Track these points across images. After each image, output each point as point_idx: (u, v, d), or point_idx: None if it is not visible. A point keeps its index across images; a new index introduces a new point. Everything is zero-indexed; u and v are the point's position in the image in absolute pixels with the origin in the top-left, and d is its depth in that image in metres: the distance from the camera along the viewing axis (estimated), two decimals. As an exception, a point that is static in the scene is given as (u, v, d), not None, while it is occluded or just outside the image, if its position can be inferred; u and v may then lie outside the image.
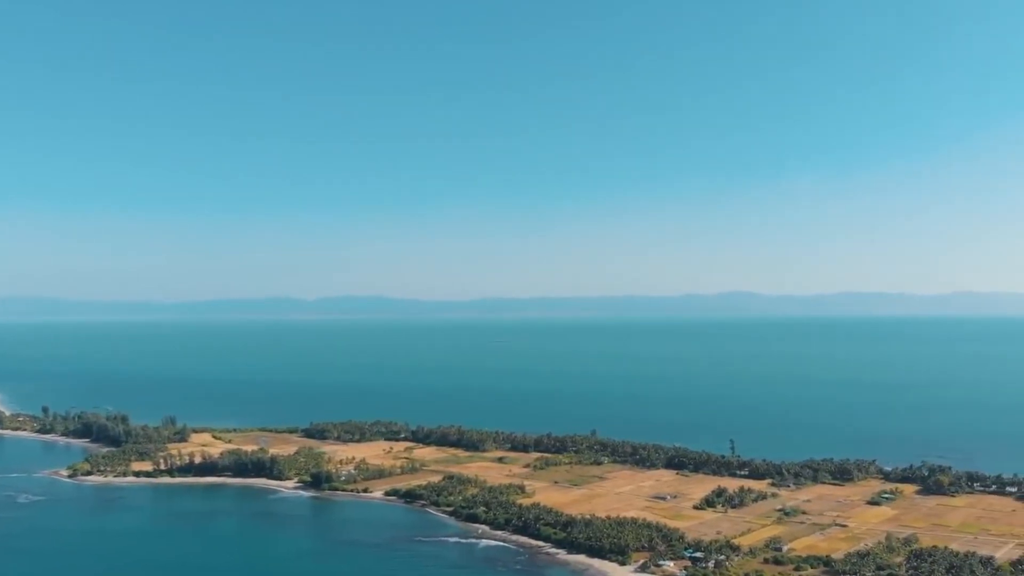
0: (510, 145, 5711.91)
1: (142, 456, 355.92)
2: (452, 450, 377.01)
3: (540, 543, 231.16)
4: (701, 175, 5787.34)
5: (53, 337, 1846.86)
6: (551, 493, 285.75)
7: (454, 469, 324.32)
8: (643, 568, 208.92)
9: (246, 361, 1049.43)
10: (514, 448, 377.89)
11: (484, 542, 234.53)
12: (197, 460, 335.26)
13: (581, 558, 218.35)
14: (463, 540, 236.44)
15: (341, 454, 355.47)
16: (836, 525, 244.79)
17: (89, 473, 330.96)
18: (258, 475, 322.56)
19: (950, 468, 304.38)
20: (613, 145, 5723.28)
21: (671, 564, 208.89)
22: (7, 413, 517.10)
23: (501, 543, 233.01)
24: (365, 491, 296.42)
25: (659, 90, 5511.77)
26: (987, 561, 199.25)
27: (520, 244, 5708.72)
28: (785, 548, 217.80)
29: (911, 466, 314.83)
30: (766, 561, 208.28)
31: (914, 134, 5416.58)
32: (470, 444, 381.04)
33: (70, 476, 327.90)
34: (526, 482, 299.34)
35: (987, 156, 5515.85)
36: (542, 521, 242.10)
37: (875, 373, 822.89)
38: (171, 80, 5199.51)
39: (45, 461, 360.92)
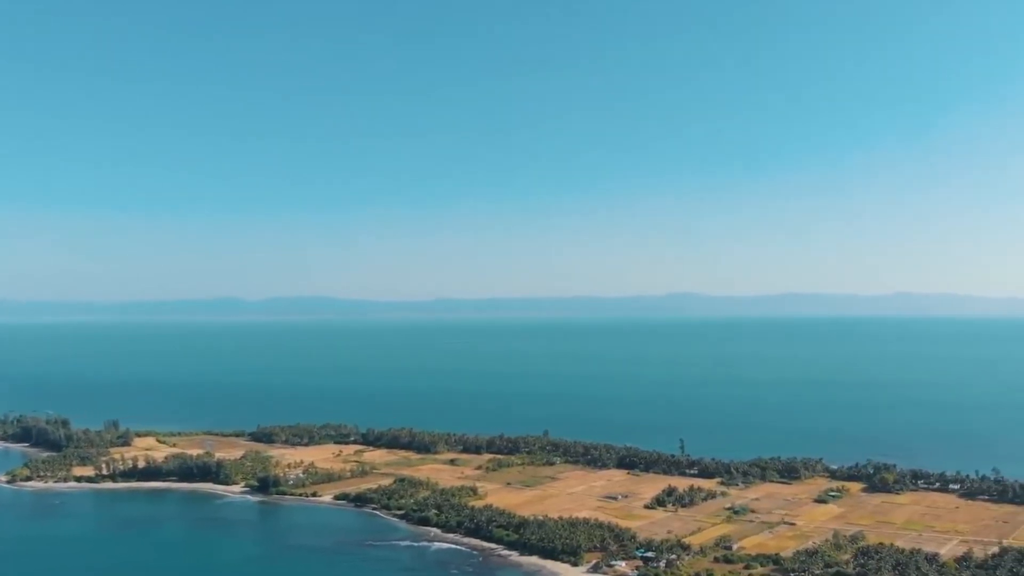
0: (458, 146, 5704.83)
1: (84, 461, 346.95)
2: (403, 453, 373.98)
3: (493, 545, 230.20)
4: (650, 177, 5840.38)
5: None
6: (504, 494, 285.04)
7: (405, 472, 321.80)
8: (595, 569, 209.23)
9: (190, 363, 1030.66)
10: (466, 450, 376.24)
11: (436, 545, 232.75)
12: (141, 465, 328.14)
13: (534, 559, 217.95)
14: (414, 544, 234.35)
15: (289, 458, 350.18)
16: (784, 523, 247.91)
17: (28, 479, 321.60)
18: (204, 480, 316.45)
19: (895, 466, 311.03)
20: (562, 147, 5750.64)
21: (623, 564, 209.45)
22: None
23: (453, 546, 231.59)
24: (314, 495, 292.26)
25: (602, 91, 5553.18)
26: (932, 558, 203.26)
27: (471, 245, 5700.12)
28: (735, 547, 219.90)
29: (857, 464, 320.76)
30: (716, 560, 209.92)
31: (853, 136, 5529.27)
32: (422, 446, 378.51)
33: (8, 482, 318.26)
34: (478, 484, 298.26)
35: (924, 159, 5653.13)
36: (495, 523, 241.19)
37: (818, 372, 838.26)
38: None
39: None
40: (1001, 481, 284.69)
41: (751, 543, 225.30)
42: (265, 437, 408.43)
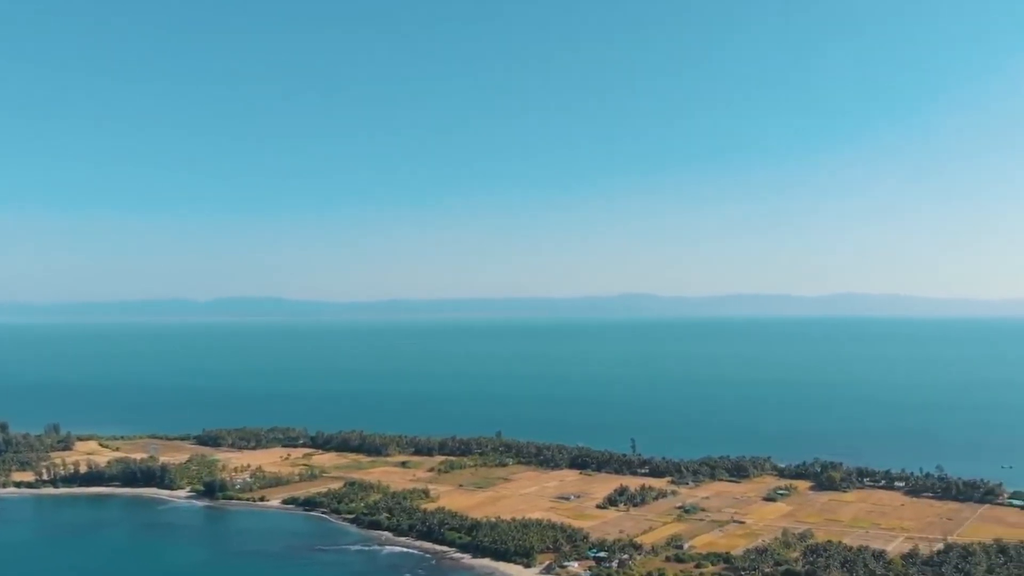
0: (409, 148, 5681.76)
1: (23, 466, 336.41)
2: (353, 455, 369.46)
3: (445, 548, 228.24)
4: (603, 177, 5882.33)
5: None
6: (456, 496, 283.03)
7: (355, 475, 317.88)
8: (548, 570, 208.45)
9: (135, 365, 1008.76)
10: (418, 452, 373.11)
11: (387, 549, 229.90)
12: (82, 469, 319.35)
13: (486, 561, 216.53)
14: (365, 548, 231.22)
15: (236, 461, 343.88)
16: (734, 522, 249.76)
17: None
18: (148, 484, 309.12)
19: (841, 464, 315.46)
20: (516, 148, 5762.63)
21: (576, 565, 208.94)
22: None
23: (405, 549, 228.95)
24: (262, 499, 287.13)
25: (560, 92, 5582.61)
26: (879, 555, 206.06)
27: (425, 246, 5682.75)
28: (686, 546, 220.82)
29: (804, 463, 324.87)
30: (668, 559, 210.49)
31: (801, 136, 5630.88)
32: (372, 449, 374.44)
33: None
34: (430, 486, 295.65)
35: (867, 163, 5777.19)
36: (447, 525, 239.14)
37: (765, 372, 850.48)
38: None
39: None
40: (945, 478, 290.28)
41: (702, 542, 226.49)
42: (211, 440, 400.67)
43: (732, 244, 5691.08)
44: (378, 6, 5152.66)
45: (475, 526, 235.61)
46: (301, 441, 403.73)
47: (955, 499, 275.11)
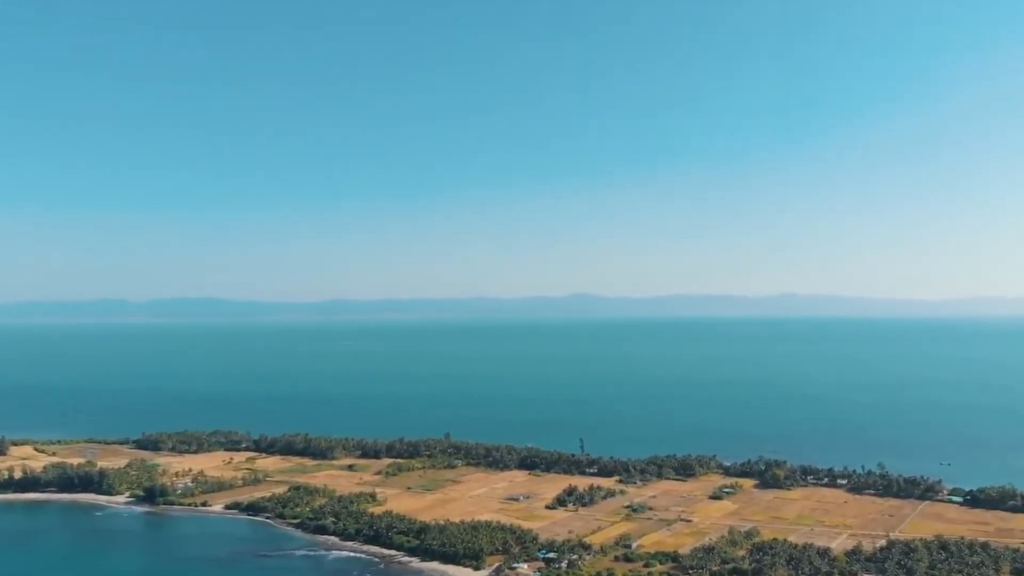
0: (349, 144, 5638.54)
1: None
2: (298, 459, 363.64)
3: (393, 552, 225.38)
4: (549, 176, 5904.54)
5: None
6: (404, 500, 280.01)
7: (300, 479, 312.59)
8: (497, 572, 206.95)
9: (70, 367, 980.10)
10: (365, 455, 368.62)
11: (333, 554, 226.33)
12: (17, 475, 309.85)
13: (435, 565, 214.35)
14: (311, 553, 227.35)
15: (177, 466, 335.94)
16: (681, 520, 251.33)
17: None
18: (85, 490, 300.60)
19: (785, 462, 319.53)
20: (459, 146, 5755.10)
21: (525, 566, 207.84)
22: None
23: (352, 554, 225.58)
24: (204, 505, 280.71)
25: (493, 92, 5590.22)
26: (824, 552, 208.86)
27: (367, 246, 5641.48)
28: (635, 545, 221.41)
29: (749, 461, 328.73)
30: (617, 559, 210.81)
31: (739, 140, 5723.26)
32: (317, 452, 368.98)
33: None
34: (378, 489, 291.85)
35: (810, 164, 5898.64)
36: (395, 529, 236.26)
37: (709, 371, 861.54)
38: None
39: None
40: (886, 475, 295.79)
41: (650, 541, 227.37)
42: (151, 444, 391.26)
43: (678, 245, 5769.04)
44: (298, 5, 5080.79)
45: (424, 529, 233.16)
46: (244, 445, 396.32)
47: (896, 496, 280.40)
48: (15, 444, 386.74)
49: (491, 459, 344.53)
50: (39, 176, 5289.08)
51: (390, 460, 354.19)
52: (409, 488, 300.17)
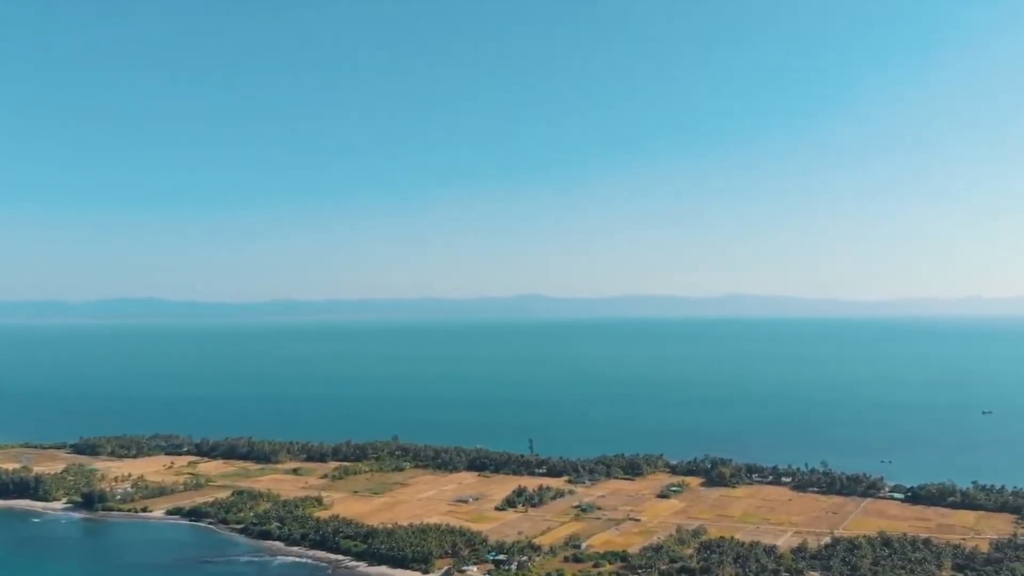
0: (296, 144, 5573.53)
1: None
2: (241, 463, 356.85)
3: (340, 557, 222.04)
4: (495, 177, 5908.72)
5: None
6: (351, 503, 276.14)
7: (244, 483, 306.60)
8: (446, 575, 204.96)
9: (5, 370, 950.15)
10: (310, 458, 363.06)
11: (279, 559, 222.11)
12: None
13: (383, 569, 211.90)
14: (255, 559, 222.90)
15: (116, 471, 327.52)
16: (630, 519, 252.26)
17: None
18: (20, 496, 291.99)
19: (731, 460, 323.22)
20: (406, 147, 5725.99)
21: (474, 569, 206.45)
22: None
23: (297, 559, 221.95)
24: (144, 510, 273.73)
25: (447, 92, 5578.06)
26: (770, 550, 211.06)
27: (312, 246, 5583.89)
28: (584, 545, 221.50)
29: (695, 459, 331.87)
30: (566, 559, 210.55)
31: (691, 139, 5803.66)
32: (261, 456, 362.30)
33: None
34: (324, 493, 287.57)
35: (755, 165, 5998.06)
36: (341, 533, 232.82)
37: (655, 371, 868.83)
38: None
39: None
40: (829, 473, 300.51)
41: (599, 540, 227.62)
42: (89, 449, 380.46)
43: (625, 246, 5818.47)
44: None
45: (371, 533, 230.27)
46: (185, 449, 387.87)
47: (839, 493, 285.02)
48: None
49: (440, 461, 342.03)
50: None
51: (336, 463, 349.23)
52: (356, 492, 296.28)
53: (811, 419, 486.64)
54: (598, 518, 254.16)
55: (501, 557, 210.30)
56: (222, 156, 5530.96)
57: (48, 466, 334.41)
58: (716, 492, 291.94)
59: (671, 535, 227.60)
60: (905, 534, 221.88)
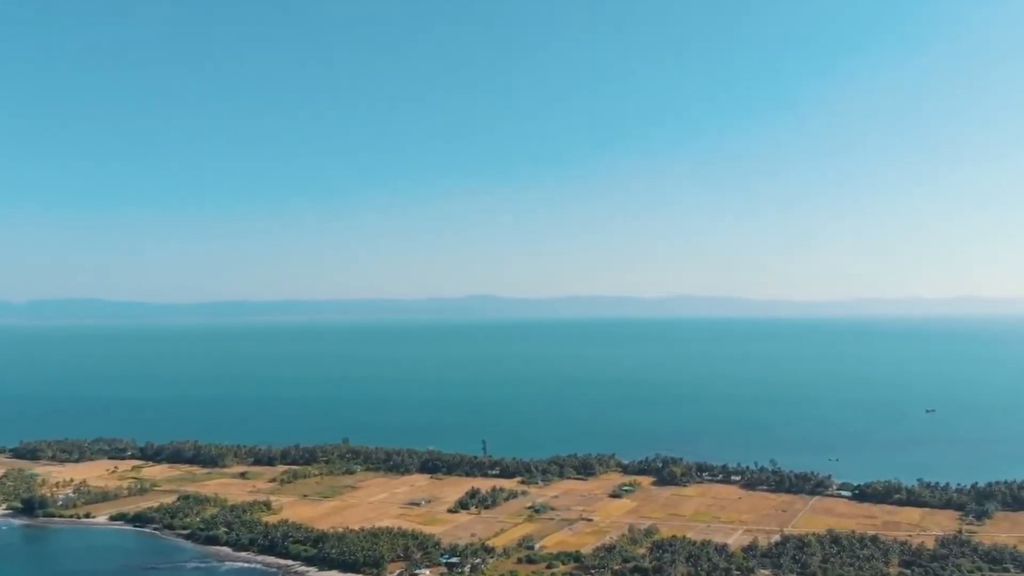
0: (242, 141, 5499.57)
1: None
2: (187, 467, 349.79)
3: (289, 562, 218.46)
4: (446, 176, 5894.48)
5: None
6: (300, 507, 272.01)
7: (190, 488, 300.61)
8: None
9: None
10: (258, 462, 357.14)
11: (227, 565, 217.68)
12: None
13: (334, 574, 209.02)
14: (202, 565, 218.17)
15: (57, 476, 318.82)
16: (583, 519, 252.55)
17: None
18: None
19: (682, 459, 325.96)
20: (358, 146, 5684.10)
21: (427, 572, 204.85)
22: None
23: (246, 565, 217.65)
24: (87, 516, 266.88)
25: (397, 87, 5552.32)
26: (722, 549, 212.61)
27: (260, 245, 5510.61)
28: (537, 546, 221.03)
29: (647, 459, 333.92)
30: (520, 561, 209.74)
31: (646, 139, 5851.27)
32: (208, 460, 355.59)
33: None
34: (272, 497, 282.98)
35: (703, 165, 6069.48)
36: (291, 538, 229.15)
37: (607, 371, 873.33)
38: None
39: None
40: (778, 471, 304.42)
41: (552, 541, 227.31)
42: (29, 453, 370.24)
43: (576, 246, 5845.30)
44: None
45: (321, 537, 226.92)
46: (129, 453, 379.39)
47: (788, 491, 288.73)
48: None
49: (391, 463, 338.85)
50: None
51: (285, 467, 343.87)
52: (306, 495, 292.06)
53: (759, 418, 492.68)
54: (551, 519, 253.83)
55: (454, 560, 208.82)
56: (169, 154, 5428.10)
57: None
58: (667, 491, 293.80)
59: (624, 535, 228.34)
60: (853, 532, 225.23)
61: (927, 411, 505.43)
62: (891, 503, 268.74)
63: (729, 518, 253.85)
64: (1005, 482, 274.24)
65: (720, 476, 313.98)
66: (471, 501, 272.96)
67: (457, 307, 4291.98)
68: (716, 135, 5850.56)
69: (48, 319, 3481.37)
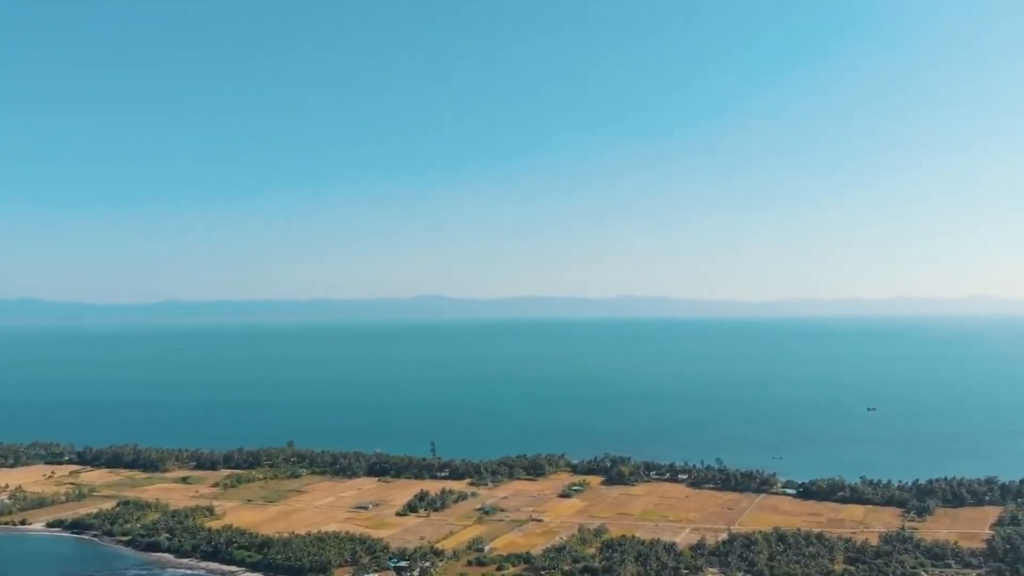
0: (181, 140, 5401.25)
1: None
2: (127, 472, 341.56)
3: (234, 568, 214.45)
4: (392, 175, 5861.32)
5: None
6: (244, 512, 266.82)
7: (130, 493, 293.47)
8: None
9: None
10: (200, 466, 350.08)
11: (168, 572, 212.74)
12: None
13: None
14: (143, 572, 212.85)
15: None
16: (533, 520, 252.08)
17: None
18: None
19: (630, 459, 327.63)
20: (299, 141, 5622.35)
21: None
22: None
23: (189, 571, 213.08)
24: (23, 523, 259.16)
25: (344, 84, 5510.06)
26: (670, 548, 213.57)
27: (202, 245, 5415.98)
28: (487, 548, 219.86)
29: (595, 458, 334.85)
30: (470, 563, 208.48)
31: (593, 139, 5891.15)
32: (149, 464, 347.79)
33: None
34: (215, 502, 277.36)
35: (654, 168, 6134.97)
36: (235, 544, 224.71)
37: (556, 371, 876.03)
38: None
39: None
40: (724, 470, 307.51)
41: (502, 543, 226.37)
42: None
43: (525, 247, 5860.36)
44: None
45: (267, 543, 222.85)
46: (67, 457, 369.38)
47: (734, 489, 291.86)
48: None
49: (338, 467, 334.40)
50: None
51: (228, 471, 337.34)
52: (250, 500, 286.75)
53: (705, 417, 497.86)
54: (501, 520, 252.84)
55: (403, 564, 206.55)
56: (102, 152, 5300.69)
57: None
58: (616, 490, 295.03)
59: (573, 535, 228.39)
60: (799, 529, 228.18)
61: (868, 410, 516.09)
62: (835, 500, 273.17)
63: (677, 517, 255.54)
64: (945, 479, 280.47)
65: (668, 475, 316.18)
66: (420, 504, 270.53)
67: (407, 308, 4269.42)
68: (661, 139, 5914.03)
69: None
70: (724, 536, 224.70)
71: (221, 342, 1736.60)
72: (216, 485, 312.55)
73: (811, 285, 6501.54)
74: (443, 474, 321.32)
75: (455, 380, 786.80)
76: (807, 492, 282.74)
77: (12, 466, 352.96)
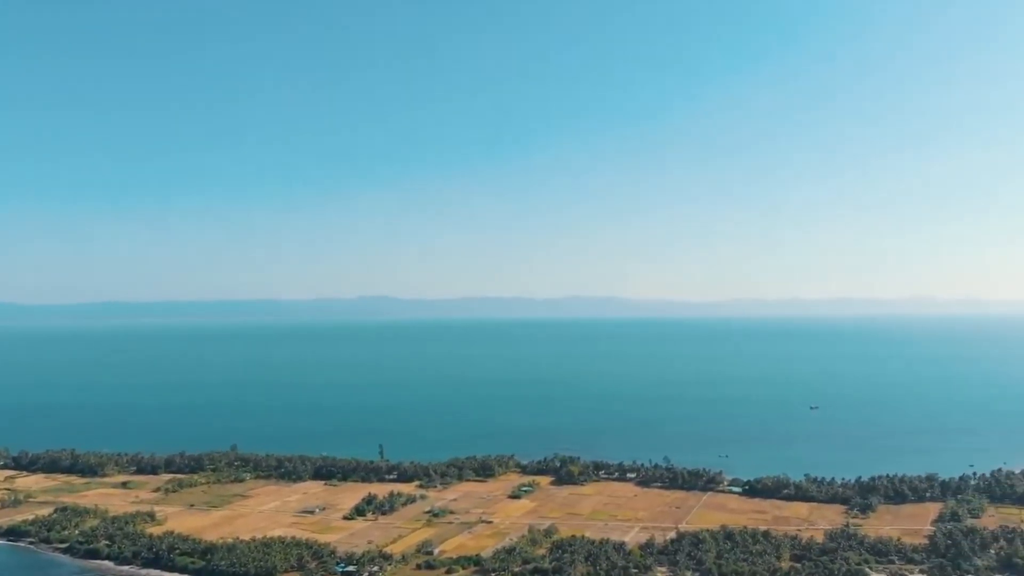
0: (127, 134, 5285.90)
1: None
2: (65, 477, 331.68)
3: (176, 575, 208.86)
4: (335, 176, 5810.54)
5: None
6: (186, 518, 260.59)
7: (68, 499, 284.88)
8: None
9: None
10: (141, 471, 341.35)
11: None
12: None
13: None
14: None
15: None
16: (482, 522, 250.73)
17: None
18: None
19: (579, 458, 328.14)
20: (251, 145, 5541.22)
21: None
22: None
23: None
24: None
25: (299, 80, 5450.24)
26: (620, 547, 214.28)
27: (143, 244, 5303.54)
28: (436, 551, 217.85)
29: (545, 458, 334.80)
30: (419, 567, 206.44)
31: (529, 137, 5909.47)
32: (87, 469, 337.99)
33: None
34: (156, 508, 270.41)
35: (592, 165, 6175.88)
36: (177, 550, 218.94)
37: (503, 371, 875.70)
38: None
39: None
40: (672, 469, 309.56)
41: (452, 545, 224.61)
42: None
43: (471, 247, 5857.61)
44: None
45: (210, 549, 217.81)
46: (1, 462, 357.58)
47: (682, 488, 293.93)
48: None
49: (283, 470, 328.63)
50: None
51: (170, 476, 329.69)
52: (192, 505, 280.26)
53: (651, 416, 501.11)
54: (450, 522, 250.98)
55: (351, 568, 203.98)
56: (40, 149, 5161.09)
57: None
58: (566, 490, 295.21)
59: (523, 536, 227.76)
60: (746, 527, 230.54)
61: (811, 408, 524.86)
62: (780, 498, 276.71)
63: (626, 516, 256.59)
64: (887, 476, 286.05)
65: (616, 474, 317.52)
66: (368, 507, 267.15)
67: (349, 308, 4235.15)
68: (600, 138, 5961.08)
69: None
70: (672, 535, 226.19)
71: (161, 343, 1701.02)
72: (157, 490, 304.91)
73: (754, 286, 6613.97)
74: (391, 477, 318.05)
75: (402, 381, 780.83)
76: (753, 490, 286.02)
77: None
